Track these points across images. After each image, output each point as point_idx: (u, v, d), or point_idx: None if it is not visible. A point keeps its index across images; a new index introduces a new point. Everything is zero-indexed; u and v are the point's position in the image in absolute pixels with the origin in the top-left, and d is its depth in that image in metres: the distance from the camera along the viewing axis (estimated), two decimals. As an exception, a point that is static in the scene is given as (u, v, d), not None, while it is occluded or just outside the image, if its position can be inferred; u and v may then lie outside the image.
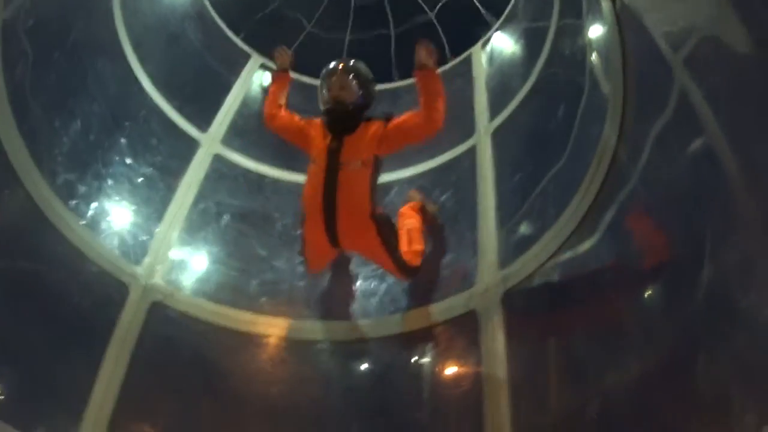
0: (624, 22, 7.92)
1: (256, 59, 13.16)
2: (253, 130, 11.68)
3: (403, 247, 8.77)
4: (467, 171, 10.50)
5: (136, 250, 9.42)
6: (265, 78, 13.11)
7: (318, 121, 8.43)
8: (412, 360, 8.99)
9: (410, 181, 11.11)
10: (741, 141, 5.11)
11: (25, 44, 8.51)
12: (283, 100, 8.96)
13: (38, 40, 8.72)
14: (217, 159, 11.15)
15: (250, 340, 9.37)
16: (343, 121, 8.13)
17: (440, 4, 14.70)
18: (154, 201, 10.10)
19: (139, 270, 9.23)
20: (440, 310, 9.01)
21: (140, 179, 10.06)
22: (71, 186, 9.03)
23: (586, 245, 7.50)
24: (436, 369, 8.78)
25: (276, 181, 11.18)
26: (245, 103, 12.28)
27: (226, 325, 9.38)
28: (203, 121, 11.49)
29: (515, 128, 10.43)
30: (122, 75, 10.51)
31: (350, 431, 8.73)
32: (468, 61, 13.19)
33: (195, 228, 10.23)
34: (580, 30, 9.67)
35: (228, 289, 9.77)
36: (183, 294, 9.46)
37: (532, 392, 7.44)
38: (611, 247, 7.24)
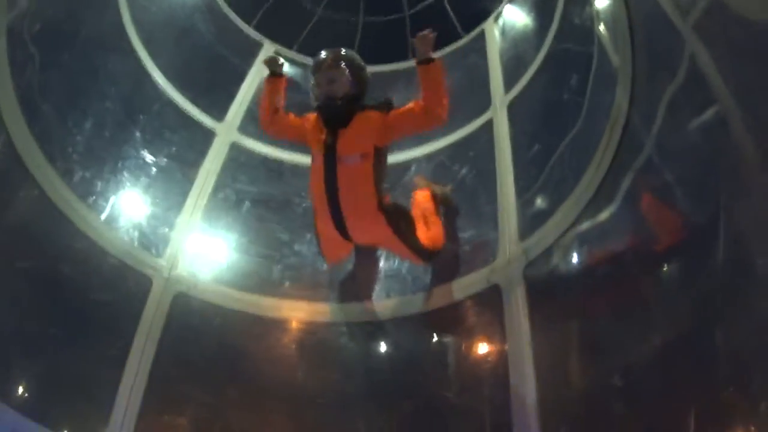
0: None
1: (268, 47, 13.15)
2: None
3: (421, 232, 8.56)
4: (485, 145, 10.46)
5: (157, 243, 9.48)
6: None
7: (313, 115, 8.18)
8: (437, 339, 9.03)
9: (428, 158, 11.11)
10: (751, 104, 5.06)
11: (32, 48, 8.55)
12: (280, 103, 8.61)
13: (45, 43, 8.79)
14: (234, 147, 11.16)
15: (275, 326, 9.41)
16: (336, 114, 7.79)
17: (452, -19, 14.52)
18: (173, 193, 10.14)
19: (161, 262, 9.31)
20: (463, 286, 8.99)
21: (158, 172, 10.10)
22: (88, 183, 9.11)
23: (604, 214, 7.48)
24: (461, 346, 8.79)
25: (295, 166, 11.15)
26: (260, 91, 12.24)
27: (250, 311, 9.44)
28: (218, 110, 11.51)
29: (530, 100, 10.40)
30: (134, 70, 10.55)
31: (377, 412, 8.75)
32: (481, 37, 13.12)
33: (215, 217, 10.26)
34: (588, -1, 9.58)
35: (251, 276, 9.81)
36: (206, 283, 9.54)
37: (557, 365, 7.45)
38: (630, 216, 7.22)
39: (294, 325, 9.45)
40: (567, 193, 8.09)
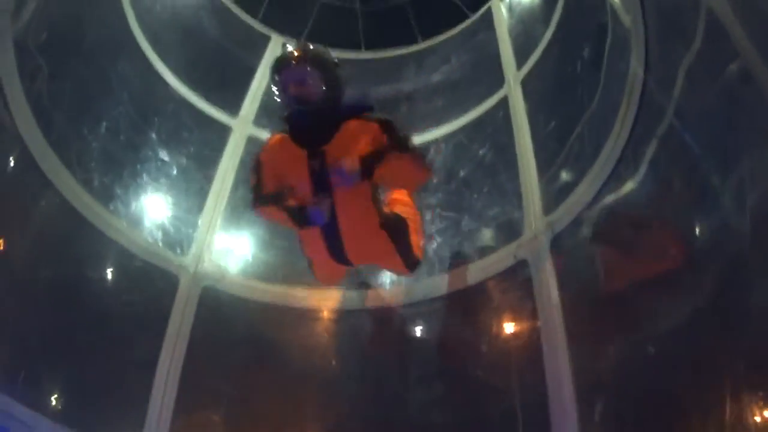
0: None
1: (276, 39, 13.12)
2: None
3: (414, 240, 7.50)
4: (502, 122, 10.48)
5: (182, 241, 9.57)
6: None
7: (278, 138, 6.70)
8: (467, 318, 9.04)
9: (446, 138, 11.08)
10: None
11: (39, 58, 8.58)
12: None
13: (52, 52, 8.81)
14: (251, 141, 11.15)
15: (304, 315, 9.52)
16: (315, 126, 6.29)
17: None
18: (194, 191, 10.23)
19: (187, 259, 9.42)
20: (490, 263, 9.06)
21: (177, 172, 10.18)
22: (108, 187, 9.20)
23: (629, 184, 7.50)
24: (492, 325, 8.81)
25: (313, 157, 11.16)
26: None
27: (279, 302, 9.56)
28: (232, 106, 11.54)
29: (543, 74, 10.40)
30: (144, 72, 10.57)
31: (411, 395, 8.80)
32: (488, 15, 13.07)
33: (238, 212, 10.31)
34: (594, -36, 9.56)
35: (276, 268, 9.93)
36: (233, 277, 9.67)
37: (590, 338, 7.48)
38: (655, 184, 7.22)
39: (323, 313, 9.54)
40: (589, 165, 8.11)
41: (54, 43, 8.88)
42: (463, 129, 11.09)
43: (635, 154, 7.31)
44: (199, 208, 10.01)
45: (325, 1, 14.25)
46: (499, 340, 8.69)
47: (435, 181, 10.11)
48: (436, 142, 11.07)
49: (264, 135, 11.15)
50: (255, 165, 6.89)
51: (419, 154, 6.79)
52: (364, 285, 9.65)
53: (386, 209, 7.13)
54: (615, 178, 7.60)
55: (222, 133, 11.08)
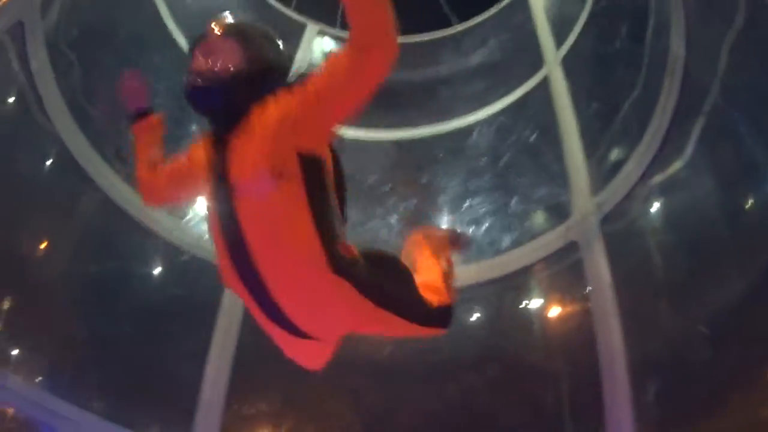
0: None
1: (312, 27, 13.16)
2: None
3: (424, 287, 4.56)
4: (544, 102, 10.44)
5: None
6: (325, 44, 13.15)
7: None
8: (519, 301, 9.10)
9: (489, 121, 11.08)
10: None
11: (71, 55, 8.72)
12: (158, 154, 4.76)
13: (84, 48, 8.99)
14: (292, 130, 11.16)
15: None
16: (217, 108, 4.07)
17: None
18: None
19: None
20: (540, 246, 9.07)
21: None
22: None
23: (677, 163, 7.48)
24: (544, 306, 8.89)
25: (355, 142, 11.22)
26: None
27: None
28: None
29: (583, 53, 10.35)
30: (180, 65, 10.60)
31: (463, 379, 8.90)
32: (524, -3, 13.07)
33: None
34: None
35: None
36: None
37: (643, 318, 7.50)
38: (703, 162, 7.21)
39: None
40: (635, 144, 8.12)
41: (86, 39, 9.06)
42: (505, 111, 11.06)
43: (681, 132, 7.31)
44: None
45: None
46: (550, 324, 8.77)
47: (482, 163, 10.18)
48: (478, 124, 11.10)
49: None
50: None
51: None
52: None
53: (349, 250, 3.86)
54: (662, 156, 7.60)
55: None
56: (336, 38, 12.76)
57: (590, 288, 8.07)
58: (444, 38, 12.77)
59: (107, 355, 8.39)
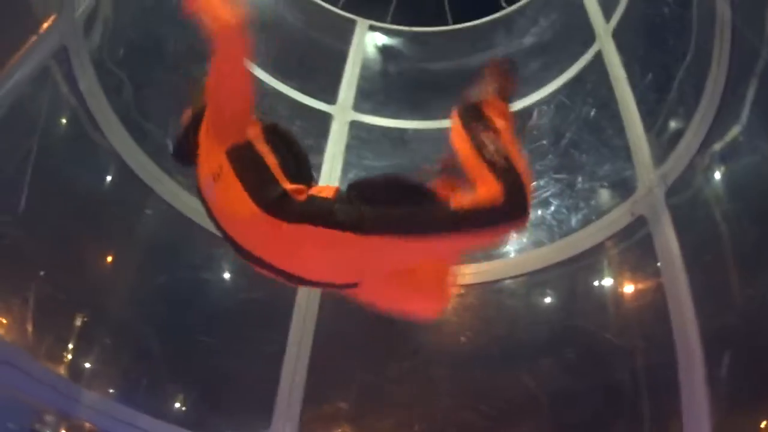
0: None
1: (362, 23, 13.18)
2: (381, 89, 11.82)
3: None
4: (599, 77, 10.35)
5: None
6: (378, 39, 13.21)
7: None
8: (591, 281, 9.08)
9: (547, 100, 11.01)
10: None
11: (120, 73, 8.90)
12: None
13: (133, 65, 9.20)
14: (354, 126, 11.35)
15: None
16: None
17: None
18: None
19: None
20: (608, 223, 9.01)
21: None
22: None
23: (736, 127, 7.36)
24: (616, 284, 8.87)
25: (417, 132, 11.28)
26: (366, 66, 12.39)
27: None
28: (329, 94, 11.68)
29: (633, 24, 10.18)
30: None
31: (541, 362, 8.91)
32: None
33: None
34: None
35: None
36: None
37: (715, 290, 7.40)
38: (762, 124, 7.09)
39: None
40: (692, 113, 7.99)
41: (133, 56, 9.26)
42: (562, 89, 10.97)
43: (736, 96, 7.19)
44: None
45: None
46: (623, 301, 8.73)
47: (544, 144, 10.16)
48: (537, 105, 11.06)
49: (366, 119, 11.33)
50: None
51: None
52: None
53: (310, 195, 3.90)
54: (719, 122, 7.47)
55: (323, 121, 11.25)
56: (387, 32, 12.78)
57: (660, 262, 8.00)
58: (495, 21, 12.73)
59: (182, 363, 8.58)
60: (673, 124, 8.66)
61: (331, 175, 10.49)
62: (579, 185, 9.84)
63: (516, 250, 9.80)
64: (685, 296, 7.51)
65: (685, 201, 8.10)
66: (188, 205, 8.92)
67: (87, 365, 8.20)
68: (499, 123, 3.87)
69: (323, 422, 9.13)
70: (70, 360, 8.04)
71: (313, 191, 3.84)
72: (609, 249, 8.91)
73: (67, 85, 8.09)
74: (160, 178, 8.83)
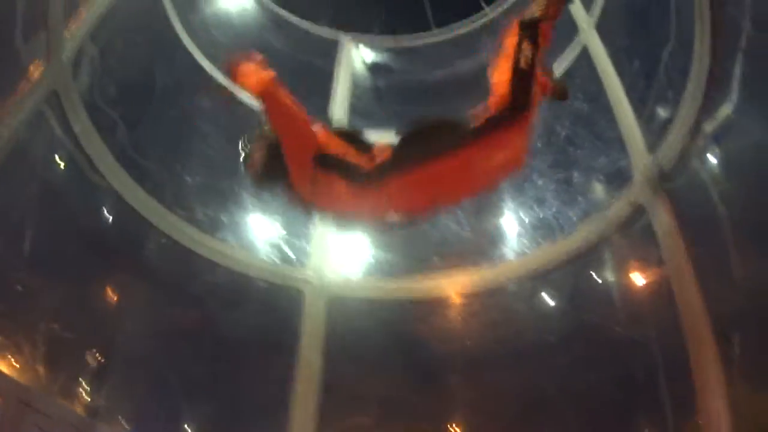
0: None
1: (346, 40, 13.17)
2: (374, 108, 11.83)
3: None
4: (587, 71, 10.35)
5: (298, 255, 9.78)
6: (365, 55, 13.15)
7: None
8: (596, 274, 9.09)
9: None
10: None
11: (112, 112, 8.93)
12: None
13: (125, 104, 9.19)
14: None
15: (438, 304, 9.68)
16: None
17: None
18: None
19: (307, 272, 9.64)
20: (608, 216, 9.00)
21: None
22: (213, 219, 9.64)
23: (726, 107, 7.37)
24: (621, 276, 8.90)
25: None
26: (356, 84, 12.37)
27: (409, 296, 9.78)
28: (320, 114, 11.59)
29: (614, 13, 10.21)
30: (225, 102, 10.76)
31: (551, 359, 8.93)
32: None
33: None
34: None
35: (398, 261, 10.05)
36: (357, 280, 9.96)
37: (719, 272, 7.41)
38: (751, 101, 7.12)
39: (455, 299, 9.66)
40: (681, 96, 8.03)
41: (125, 95, 9.24)
42: (552, 86, 10.98)
43: (723, 74, 7.22)
44: (311, 218, 10.20)
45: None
46: (629, 292, 8.74)
47: (538, 142, 10.20)
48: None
49: (361, 138, 11.32)
50: None
51: None
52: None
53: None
54: (709, 102, 7.50)
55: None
56: (372, 46, 12.82)
57: (663, 249, 8.03)
58: (481, 27, 12.74)
59: (194, 392, 8.60)
60: (663, 110, 8.68)
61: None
62: (576, 180, 9.86)
63: (517, 253, 9.82)
64: (690, 281, 7.55)
65: (682, 185, 8.10)
66: (190, 236, 9.06)
67: (101, 401, 8.24)
68: (541, 41, 4.60)
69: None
70: (84, 397, 8.09)
71: (378, 158, 4.74)
72: (611, 241, 8.91)
73: (62, 128, 8.14)
74: (161, 213, 8.91)
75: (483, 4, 12.82)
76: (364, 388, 9.24)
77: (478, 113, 4.59)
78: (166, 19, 10.44)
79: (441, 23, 12.70)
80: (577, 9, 10.70)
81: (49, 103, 7.88)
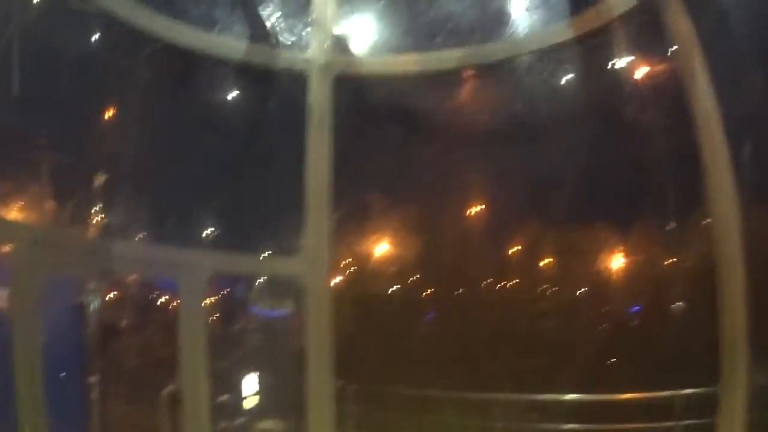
0: None
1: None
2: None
3: None
4: None
5: (299, 38, 9.48)
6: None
7: None
8: (606, 57, 8.87)
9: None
10: None
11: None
12: None
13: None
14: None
15: (445, 79, 9.52)
16: None
17: None
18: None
19: (309, 53, 9.34)
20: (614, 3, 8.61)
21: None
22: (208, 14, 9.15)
23: None
24: (631, 61, 8.70)
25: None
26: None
27: (415, 70, 9.51)
28: None
29: None
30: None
31: (567, 137, 8.89)
32: None
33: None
34: None
35: (403, 38, 9.79)
36: (361, 57, 9.66)
37: (731, 74, 7.31)
38: None
39: (463, 73, 9.50)
40: None
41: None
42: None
43: None
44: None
45: None
46: (640, 78, 8.63)
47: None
48: None
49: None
50: None
51: None
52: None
53: None
54: None
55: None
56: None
57: (675, 46, 7.76)
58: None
59: (203, 189, 8.68)
60: None
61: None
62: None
63: (526, 28, 9.46)
64: (702, 79, 7.51)
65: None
66: (188, 36, 8.77)
67: (113, 219, 8.33)
68: None
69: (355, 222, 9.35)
70: (95, 219, 8.17)
71: None
72: (619, 28, 8.61)
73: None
74: (150, 16, 8.50)
75: None
76: (371, 164, 9.27)
77: None
78: None
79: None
80: None
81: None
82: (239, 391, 9.87)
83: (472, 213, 9.66)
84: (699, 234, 7.94)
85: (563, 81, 9.30)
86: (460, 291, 9.58)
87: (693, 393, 9.05)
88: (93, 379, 8.48)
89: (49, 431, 6.19)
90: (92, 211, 8.25)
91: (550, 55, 9.14)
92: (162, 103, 8.84)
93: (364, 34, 9.91)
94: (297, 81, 9.09)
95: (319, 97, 9.03)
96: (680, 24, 7.70)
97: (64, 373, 7.88)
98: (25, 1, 7.82)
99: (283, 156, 9.10)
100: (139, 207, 8.65)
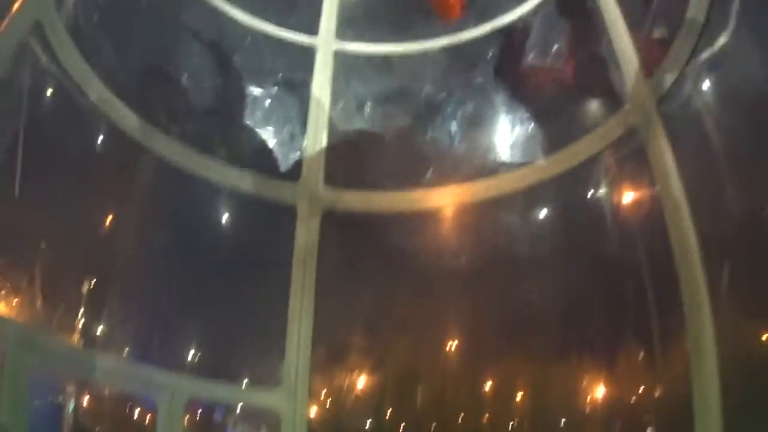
0: None
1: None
2: (362, 16, 11.58)
3: None
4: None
5: (290, 169, 9.70)
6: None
7: None
8: (588, 193, 9.05)
9: (532, 13, 10.77)
10: None
11: (98, 38, 8.77)
12: None
13: (111, 28, 9.00)
14: (339, 55, 11.03)
15: (429, 218, 9.66)
16: None
17: None
18: (292, 116, 10.29)
19: (300, 187, 9.49)
20: (601, 135, 8.88)
21: (270, 102, 10.24)
22: (205, 136, 9.39)
23: (723, 37, 7.30)
24: (612, 196, 8.85)
25: (404, 56, 11.10)
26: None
27: (402, 208, 9.70)
28: (309, 25, 11.37)
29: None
30: (211, 18, 10.49)
31: (543, 279, 8.97)
32: None
33: (341, 126, 10.35)
34: None
35: (392, 173, 9.94)
36: (352, 193, 9.75)
37: (710, 199, 7.42)
38: (749, 34, 7.03)
39: (447, 212, 9.64)
40: (679, 20, 7.91)
41: (109, 18, 9.04)
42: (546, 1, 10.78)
43: (723, 5, 7.19)
44: (302, 131, 10.12)
45: None
46: (620, 212, 8.77)
47: (532, 56, 10.09)
48: (522, 19, 10.82)
49: (350, 47, 11.09)
50: None
51: None
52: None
53: None
54: (708, 33, 7.46)
55: (308, 53, 10.95)
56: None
57: (655, 173, 7.98)
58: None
59: (191, 314, 8.65)
60: (660, 32, 8.56)
61: (319, 105, 10.34)
62: (569, 98, 9.74)
63: (509, 166, 9.73)
64: (682, 206, 7.55)
65: (677, 111, 8.04)
66: (181, 153, 8.94)
67: (99, 330, 8.29)
68: None
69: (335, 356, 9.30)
70: (83, 328, 8.14)
71: None
72: (604, 160, 8.86)
73: (49, 58, 7.96)
74: (152, 134, 8.75)
75: None
76: (355, 301, 9.30)
77: None
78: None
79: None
80: None
81: (33, 33, 7.67)
82: None
83: (451, 348, 9.62)
84: (677, 365, 7.95)
85: (544, 217, 9.48)
86: (435, 425, 9.43)
87: None
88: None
89: None
90: (80, 319, 8.20)
91: (532, 192, 9.34)
92: (153, 220, 8.90)
93: (359, 168, 10.13)
94: (285, 211, 9.23)
95: (305, 229, 9.14)
96: (662, 151, 7.86)
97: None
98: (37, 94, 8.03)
99: (268, 286, 9.13)
100: (126, 322, 8.60)
